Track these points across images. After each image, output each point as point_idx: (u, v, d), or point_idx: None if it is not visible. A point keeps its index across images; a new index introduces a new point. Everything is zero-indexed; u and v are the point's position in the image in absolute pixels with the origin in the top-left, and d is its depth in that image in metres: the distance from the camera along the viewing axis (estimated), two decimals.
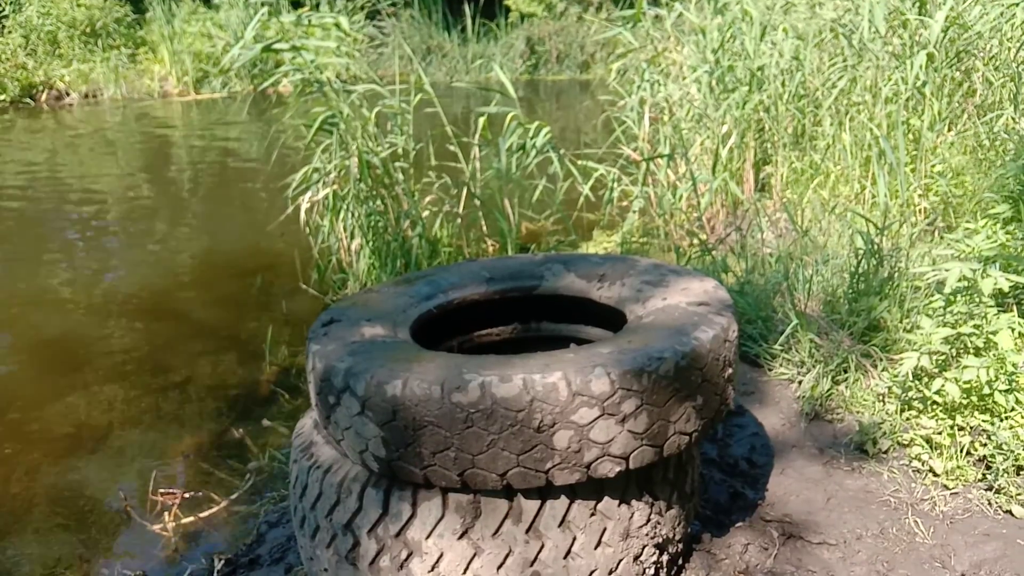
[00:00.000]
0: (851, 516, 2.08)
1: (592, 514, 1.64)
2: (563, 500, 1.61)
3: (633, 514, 1.68)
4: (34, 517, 2.73)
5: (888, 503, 2.12)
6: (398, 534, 1.62)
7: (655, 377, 1.55)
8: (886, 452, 2.33)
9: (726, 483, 2.27)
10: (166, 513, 2.65)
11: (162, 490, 2.76)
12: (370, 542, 1.65)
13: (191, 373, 3.74)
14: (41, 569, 2.46)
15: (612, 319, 2.09)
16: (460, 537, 1.60)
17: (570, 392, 1.49)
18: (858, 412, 2.54)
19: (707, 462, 2.37)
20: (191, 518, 2.64)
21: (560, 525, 1.61)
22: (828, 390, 2.63)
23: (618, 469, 1.56)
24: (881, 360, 2.68)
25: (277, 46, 3.88)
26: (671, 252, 4.46)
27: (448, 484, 1.57)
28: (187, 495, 2.75)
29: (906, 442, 2.34)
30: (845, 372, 2.68)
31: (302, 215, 4.27)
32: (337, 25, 4.10)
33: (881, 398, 2.55)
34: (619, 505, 1.66)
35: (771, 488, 2.24)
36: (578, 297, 2.18)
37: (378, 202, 4.18)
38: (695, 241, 4.50)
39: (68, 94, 12.35)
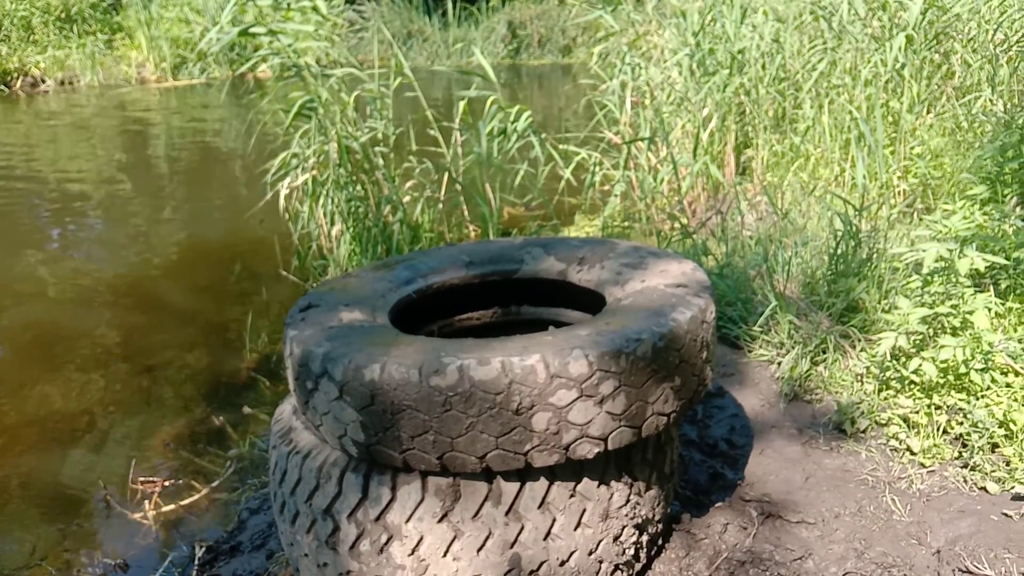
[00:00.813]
0: (829, 495, 2.10)
1: (571, 495, 1.64)
2: (542, 482, 1.62)
3: (612, 495, 1.69)
4: (13, 506, 2.70)
5: (866, 482, 2.15)
6: (378, 518, 1.62)
7: (633, 358, 1.55)
8: (864, 431, 2.35)
9: (706, 464, 2.28)
10: (147, 501, 2.64)
11: (142, 478, 2.74)
12: (350, 526, 1.65)
13: (170, 361, 3.71)
14: (21, 559, 2.44)
15: (592, 302, 2.09)
16: (440, 520, 1.60)
17: (548, 374, 1.49)
18: (837, 392, 2.56)
19: (687, 443, 2.38)
20: (172, 506, 2.63)
21: (540, 507, 1.62)
22: (807, 371, 2.65)
23: (597, 450, 1.57)
24: (859, 341, 2.70)
25: (254, 30, 3.83)
26: (653, 236, 4.46)
27: (427, 468, 1.56)
28: (167, 483, 2.74)
29: (884, 421, 2.36)
30: (824, 353, 2.70)
31: (281, 201, 4.23)
32: (315, 9, 4.06)
33: (859, 378, 2.57)
34: (598, 486, 1.67)
35: (750, 468, 2.25)
36: (558, 280, 2.18)
37: (358, 187, 4.15)
38: (676, 225, 4.51)
39: (43, 81, 12.17)
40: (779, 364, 2.74)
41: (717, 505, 2.09)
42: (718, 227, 4.56)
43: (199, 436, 3.08)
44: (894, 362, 2.48)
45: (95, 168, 7.88)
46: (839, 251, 2.99)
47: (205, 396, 3.36)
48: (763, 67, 5.14)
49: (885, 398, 2.44)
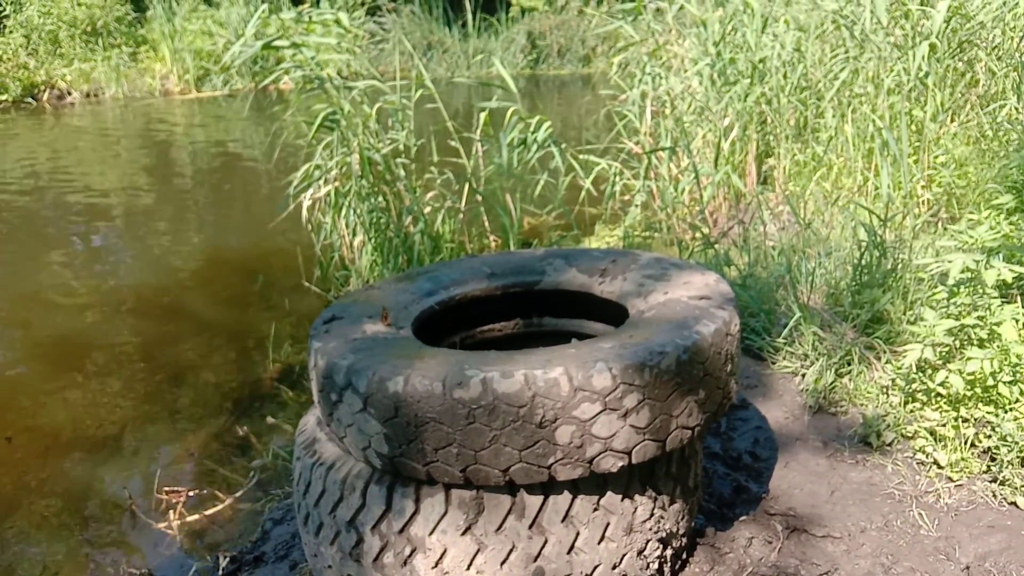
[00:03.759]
0: (855, 509, 2.08)
1: (595, 509, 1.64)
2: (566, 495, 1.61)
3: (636, 509, 1.68)
4: (39, 515, 2.73)
5: (892, 495, 2.12)
6: (401, 530, 1.63)
7: (657, 371, 1.55)
8: (890, 444, 2.33)
9: (730, 477, 2.26)
10: (171, 511, 2.65)
11: (167, 488, 2.76)
12: (374, 538, 1.65)
13: (194, 371, 3.74)
14: (46, 568, 2.47)
15: (614, 314, 2.09)
16: (463, 533, 1.60)
17: (572, 387, 1.49)
18: (862, 405, 2.53)
19: (711, 456, 2.37)
20: (196, 516, 2.64)
21: (563, 520, 1.61)
22: (832, 383, 2.62)
23: (620, 464, 1.56)
24: (885, 352, 2.68)
25: (277, 43, 3.87)
26: (674, 246, 4.45)
27: (451, 480, 1.57)
28: (192, 493, 2.76)
29: (910, 434, 2.34)
30: (848, 365, 2.67)
31: (304, 212, 4.27)
32: (337, 21, 4.09)
33: (885, 390, 2.54)
34: (622, 500, 1.66)
35: (775, 482, 2.23)
36: (580, 292, 2.18)
37: (380, 199, 4.17)
38: (697, 235, 4.49)
39: (70, 93, 12.36)
40: (803, 376, 2.72)
41: (742, 519, 2.07)
42: (740, 237, 4.54)
43: (223, 446, 3.10)
44: (920, 374, 2.45)
45: (120, 179, 7.98)
46: (863, 261, 2.97)
47: (229, 406, 3.38)
48: (784, 76, 5.12)
49: (911, 411, 2.42)
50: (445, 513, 1.61)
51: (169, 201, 7.26)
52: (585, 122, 10.09)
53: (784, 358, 2.85)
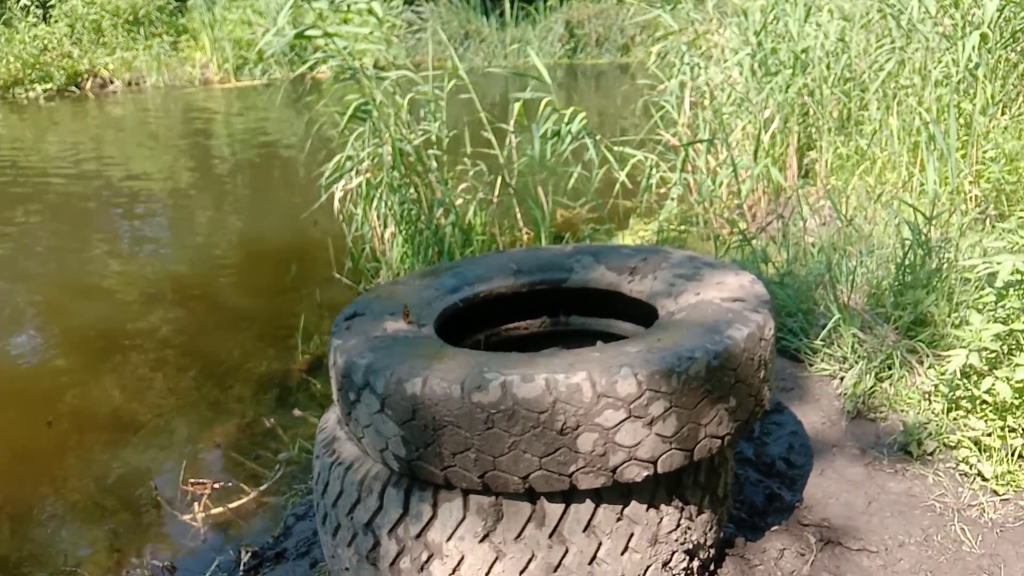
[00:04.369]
0: (893, 521, 1.99)
1: (619, 519, 1.58)
2: (588, 504, 1.56)
3: (662, 519, 1.62)
4: (67, 503, 2.75)
5: (933, 508, 2.03)
6: (419, 535, 1.58)
7: (685, 378, 1.48)
8: (931, 454, 2.23)
9: (762, 484, 2.19)
10: (196, 503, 2.65)
11: (192, 480, 2.76)
12: (390, 542, 1.61)
13: (225, 361, 3.75)
14: (70, 556, 2.48)
15: (644, 313, 2.02)
16: (482, 540, 1.55)
17: (595, 393, 1.43)
18: (902, 411, 2.43)
19: (743, 461, 2.29)
20: (220, 509, 2.64)
21: (585, 530, 1.56)
22: (871, 387, 2.53)
23: (645, 474, 1.50)
24: (928, 356, 2.57)
25: (310, 32, 3.84)
26: (710, 241, 4.35)
27: (469, 486, 1.52)
28: (217, 485, 2.75)
29: (953, 444, 2.24)
30: (889, 369, 2.57)
31: (336, 203, 4.25)
32: (370, 11, 4.05)
33: (927, 397, 2.44)
34: (647, 510, 1.60)
35: (809, 490, 2.15)
36: (608, 291, 2.12)
37: (411, 190, 4.14)
38: (735, 229, 4.38)
39: (112, 82, 12.54)
40: (842, 379, 2.62)
41: (773, 529, 2.00)
42: (779, 232, 4.43)
43: (250, 438, 3.10)
44: (965, 380, 2.35)
45: (160, 167, 8.07)
46: (907, 261, 2.86)
47: (257, 397, 3.38)
48: (827, 67, 4.97)
49: (955, 419, 2.31)
50: (463, 519, 1.56)
51: (207, 189, 7.32)
52: (623, 112, 9.96)
53: (822, 360, 2.76)
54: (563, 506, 1.55)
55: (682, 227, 5.01)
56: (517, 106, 4.31)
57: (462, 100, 4.43)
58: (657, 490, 1.61)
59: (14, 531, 2.62)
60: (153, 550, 2.48)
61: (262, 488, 2.72)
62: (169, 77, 12.84)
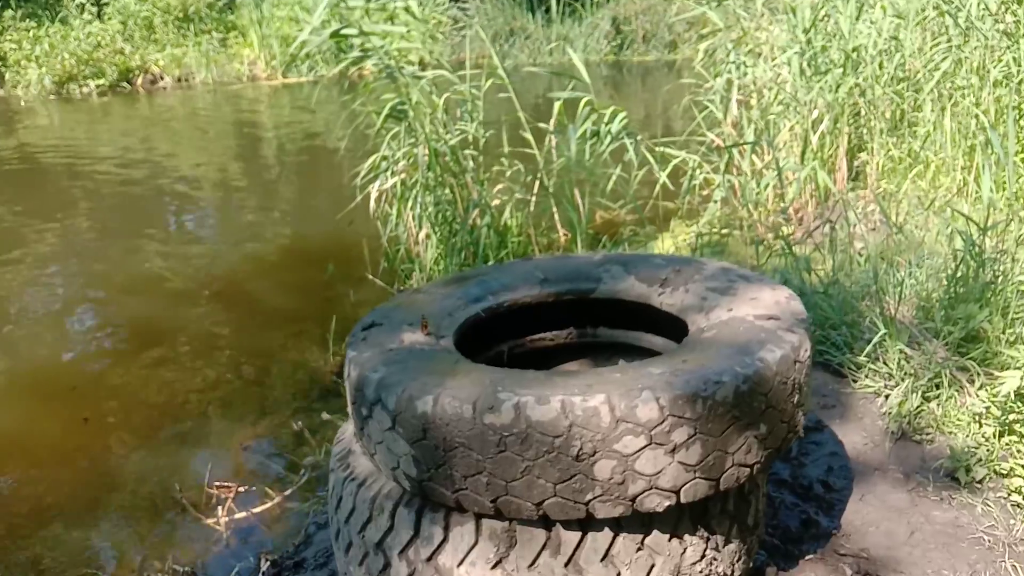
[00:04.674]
0: (937, 554, 1.87)
1: (639, 549, 1.49)
2: (606, 533, 1.48)
3: (686, 549, 1.53)
4: (92, 504, 2.75)
5: (981, 541, 1.90)
6: (429, 558, 1.52)
7: (711, 403, 1.39)
8: (981, 482, 2.10)
9: (798, 508, 2.08)
10: (220, 507, 2.63)
11: (218, 483, 2.74)
12: (401, 564, 1.56)
13: (258, 362, 3.74)
14: (95, 558, 2.48)
15: (675, 327, 1.93)
16: (494, 567, 1.48)
17: (613, 418, 1.35)
18: (951, 434, 2.30)
19: (778, 483, 2.19)
20: (244, 513, 2.61)
21: (603, 560, 1.48)
22: (918, 407, 2.40)
23: (667, 503, 1.42)
24: (979, 376, 2.42)
25: (345, 31, 3.81)
26: (753, 245, 4.21)
27: (481, 510, 1.45)
28: (242, 489, 2.73)
29: (1005, 471, 2.10)
30: (937, 388, 2.43)
31: (372, 203, 4.21)
32: (407, 10, 4.01)
33: (977, 419, 2.30)
34: (670, 540, 1.51)
35: (848, 516, 2.04)
36: (638, 303, 2.03)
37: (446, 191, 4.08)
38: (779, 235, 4.25)
39: (162, 78, 12.74)
40: (887, 397, 2.50)
41: (808, 558, 1.89)
42: (826, 238, 4.28)
43: (277, 441, 3.07)
44: (1019, 403, 2.21)
45: (207, 163, 8.17)
46: (959, 272, 2.71)
47: (287, 399, 3.36)
48: (880, 66, 4.79)
49: (1007, 444, 2.17)
50: (475, 544, 1.49)
51: (251, 185, 7.38)
52: (669, 110, 9.79)
53: (867, 376, 2.63)
54: (580, 534, 1.47)
55: (725, 230, 4.87)
56: (557, 105, 4.23)
57: (502, 99, 4.37)
58: (681, 519, 1.52)
59: (40, 530, 2.63)
60: (176, 554, 2.46)
61: (286, 493, 2.69)
62: (218, 73, 13.01)
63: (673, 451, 1.39)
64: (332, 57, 12.60)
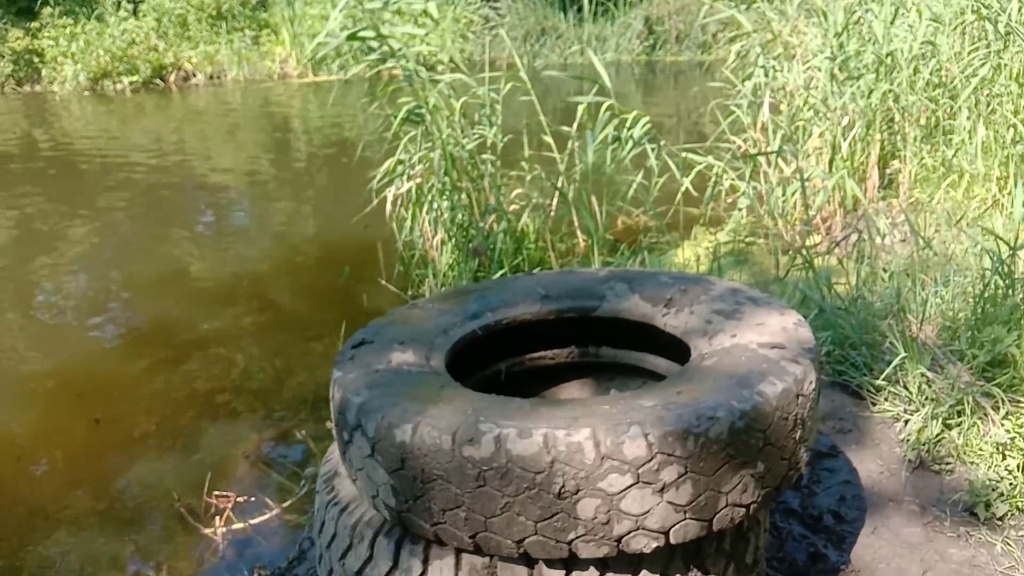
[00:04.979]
0: None
1: None
2: (592, 572, 1.40)
3: None
4: (95, 508, 2.74)
5: None
6: None
7: (704, 440, 1.31)
8: (1002, 519, 1.99)
9: (806, 540, 1.99)
10: (218, 517, 2.59)
11: (216, 492, 2.70)
12: None
13: (268, 368, 3.71)
14: (85, 565, 2.45)
15: (679, 349, 1.85)
16: None
17: (598, 454, 1.28)
18: (972, 464, 2.19)
19: (787, 513, 2.09)
20: (242, 524, 2.57)
21: None
22: (938, 434, 2.28)
23: (655, 544, 1.34)
24: (1004, 403, 2.30)
25: (363, 34, 3.77)
26: (776, 255, 4.09)
27: (460, 545, 1.39)
28: (241, 499, 2.69)
29: None
30: (959, 414, 2.32)
31: (388, 207, 4.17)
32: (425, 12, 3.95)
33: (1001, 450, 2.18)
34: None
35: (858, 551, 1.94)
36: (641, 323, 1.95)
37: (462, 196, 4.02)
38: (804, 247, 4.13)
39: (194, 75, 12.85)
40: (906, 423, 2.38)
41: None
42: (854, 248, 4.15)
43: (279, 449, 3.04)
44: None
45: (237, 161, 8.22)
46: (986, 292, 2.59)
47: (291, 406, 3.32)
48: (915, 71, 4.64)
49: None
50: None
51: (277, 184, 7.40)
52: (699, 111, 9.65)
53: (886, 399, 2.52)
54: (564, 573, 1.40)
55: (749, 239, 4.75)
56: (581, 109, 4.15)
57: (526, 102, 4.29)
58: (672, 559, 1.44)
59: (38, 533, 2.61)
60: (170, 565, 2.43)
61: (285, 505, 2.65)
62: (249, 71, 13.09)
63: (662, 490, 1.31)
64: (362, 56, 12.63)
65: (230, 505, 2.66)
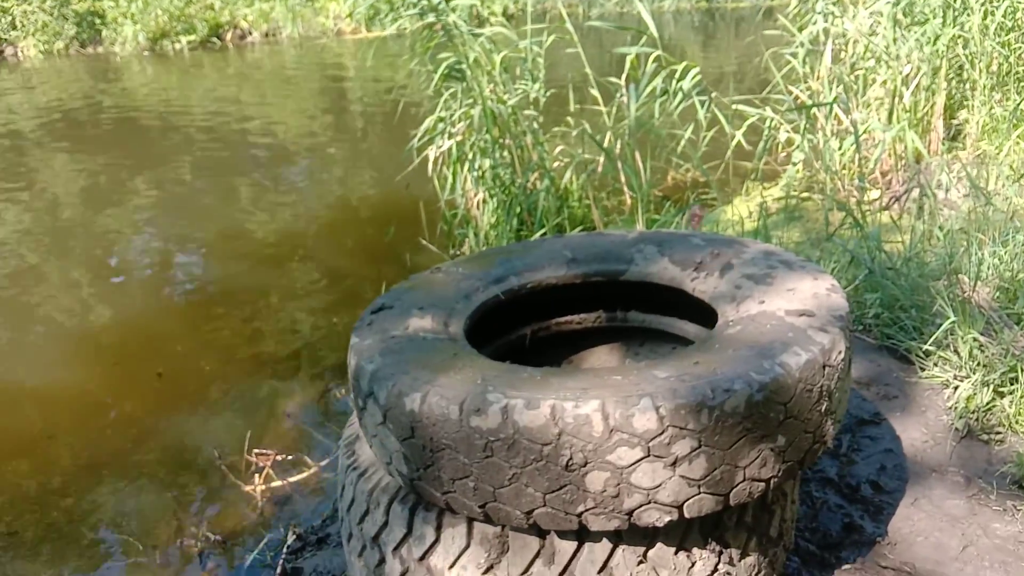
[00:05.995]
0: (992, 574, 1.69)
1: (640, 561, 1.39)
2: (604, 544, 1.38)
3: (694, 564, 1.42)
4: (141, 465, 2.82)
5: None
6: (422, 558, 1.46)
7: (718, 414, 1.26)
8: None
9: (842, 511, 1.92)
10: (257, 475, 2.64)
11: (257, 450, 2.75)
12: (395, 562, 1.50)
13: (308, 327, 3.76)
14: (132, 521, 2.53)
15: (708, 313, 1.78)
16: (485, 572, 1.41)
17: (606, 427, 1.24)
18: (1023, 435, 2.08)
19: (823, 481, 2.03)
20: (281, 482, 2.62)
21: (600, 571, 1.38)
22: (988, 402, 2.18)
23: (668, 519, 1.30)
24: None
25: None
26: (832, 211, 3.94)
27: (470, 514, 1.37)
28: (280, 457, 2.73)
29: None
30: (1013, 382, 2.20)
31: (429, 166, 4.13)
32: None
33: None
34: (676, 553, 1.40)
35: (896, 523, 1.87)
36: (670, 287, 1.89)
37: (504, 153, 3.96)
38: (859, 201, 3.96)
39: (250, 33, 12.94)
40: (955, 390, 2.28)
41: (845, 567, 1.74)
42: (914, 204, 3.97)
43: (320, 408, 3.08)
44: None
45: (291, 118, 8.31)
46: None
47: (333, 366, 3.36)
48: (985, 15, 4.36)
49: None
50: (466, 547, 1.42)
51: (330, 141, 7.46)
52: (753, 63, 9.33)
53: (935, 365, 2.41)
54: (575, 544, 1.38)
55: (805, 194, 4.59)
56: (629, 59, 4.01)
57: (572, 55, 4.17)
58: (689, 532, 1.40)
59: (95, 481, 2.71)
60: (210, 521, 2.49)
61: (323, 464, 2.68)
62: (303, 28, 13.12)
63: (674, 464, 1.26)
64: (405, 10, 12.51)
65: (269, 463, 2.70)
